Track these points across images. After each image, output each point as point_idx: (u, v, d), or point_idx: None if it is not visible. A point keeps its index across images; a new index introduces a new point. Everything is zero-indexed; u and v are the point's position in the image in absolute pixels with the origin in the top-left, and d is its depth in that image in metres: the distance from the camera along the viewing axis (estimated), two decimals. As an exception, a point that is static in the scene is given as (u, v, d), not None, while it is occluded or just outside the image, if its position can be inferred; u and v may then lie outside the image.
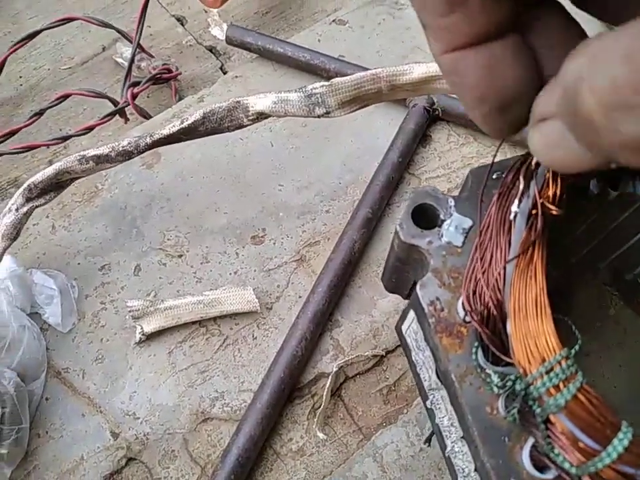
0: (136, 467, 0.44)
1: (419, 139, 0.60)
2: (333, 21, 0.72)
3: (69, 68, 0.75)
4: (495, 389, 0.27)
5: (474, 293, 0.28)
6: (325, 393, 0.45)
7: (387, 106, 0.63)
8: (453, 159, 0.60)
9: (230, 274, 0.52)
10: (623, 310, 0.49)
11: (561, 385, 0.23)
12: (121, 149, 0.47)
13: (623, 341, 0.48)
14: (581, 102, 0.18)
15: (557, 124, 0.21)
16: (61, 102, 0.63)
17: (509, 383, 0.26)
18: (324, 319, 0.48)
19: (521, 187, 0.29)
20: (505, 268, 0.26)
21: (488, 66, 0.22)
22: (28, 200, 0.47)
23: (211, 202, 0.57)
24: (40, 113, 0.63)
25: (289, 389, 0.45)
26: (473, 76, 0.22)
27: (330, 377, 0.46)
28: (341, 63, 0.64)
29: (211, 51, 0.78)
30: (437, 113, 0.61)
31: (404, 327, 0.36)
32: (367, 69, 0.44)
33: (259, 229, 0.55)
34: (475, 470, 0.30)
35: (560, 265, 0.43)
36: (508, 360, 0.26)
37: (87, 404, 0.46)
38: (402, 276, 0.38)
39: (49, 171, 0.47)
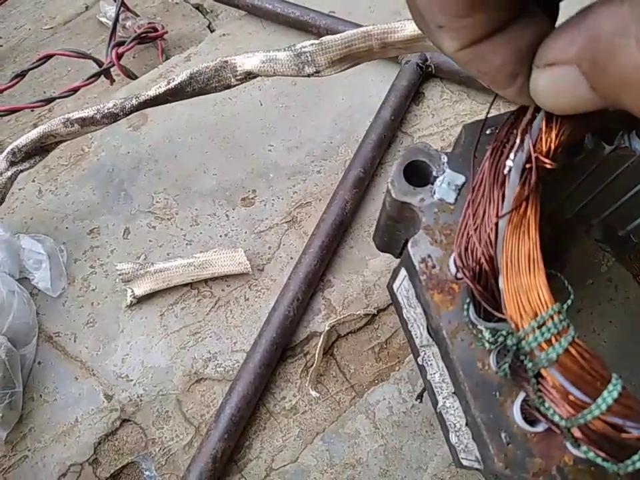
0: (130, 428, 0.44)
1: (412, 96, 0.59)
2: (323, -25, 0.70)
3: (51, 28, 0.73)
4: (487, 345, 0.27)
5: (466, 249, 0.27)
6: (317, 352, 0.45)
7: (379, 63, 0.61)
8: (446, 117, 0.59)
9: (220, 236, 0.52)
10: (614, 267, 0.49)
11: (553, 340, 0.23)
12: (106, 111, 0.46)
13: (614, 298, 0.48)
14: (622, 57, 0.18)
15: (570, 69, 0.21)
16: (43, 63, 0.61)
17: (501, 339, 0.26)
18: (316, 279, 0.48)
19: (517, 140, 0.28)
20: (497, 223, 0.26)
21: (514, 44, 0.22)
22: (12, 164, 0.46)
23: (199, 163, 0.56)
24: (22, 75, 0.61)
25: (282, 349, 0.46)
26: (501, 58, 0.22)
27: (322, 336, 0.46)
28: (331, 19, 0.62)
29: (197, 9, 0.75)
30: (429, 69, 0.60)
31: (395, 285, 0.36)
32: (358, 25, 0.43)
33: (249, 191, 0.54)
34: (466, 425, 0.31)
35: (553, 223, 0.43)
36: (500, 315, 0.26)
37: (79, 367, 0.46)
38: (394, 234, 0.38)
39: (33, 134, 0.46)
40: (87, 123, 0.46)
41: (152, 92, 0.46)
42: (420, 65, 0.59)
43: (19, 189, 0.54)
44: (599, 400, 0.22)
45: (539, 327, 0.23)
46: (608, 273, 0.49)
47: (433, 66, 0.59)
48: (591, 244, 0.49)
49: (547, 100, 0.24)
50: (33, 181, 0.55)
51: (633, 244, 0.44)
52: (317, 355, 0.45)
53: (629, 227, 0.43)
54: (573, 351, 0.23)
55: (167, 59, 0.67)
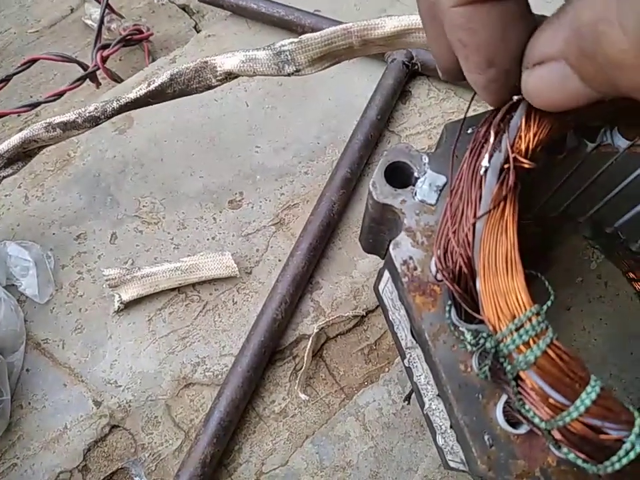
0: (120, 434, 0.44)
1: (398, 95, 0.59)
2: (309, -27, 0.69)
3: (36, 31, 0.73)
4: (468, 347, 0.27)
5: (445, 251, 0.27)
6: (306, 354, 0.45)
7: (364, 61, 0.61)
8: (433, 115, 0.59)
9: (207, 239, 0.51)
10: (603, 264, 0.49)
11: (531, 342, 0.23)
12: (87, 114, 0.45)
13: (603, 295, 0.48)
14: (607, 43, 0.18)
15: (558, 65, 0.21)
16: (28, 67, 0.61)
17: (482, 341, 0.26)
18: (304, 281, 0.48)
19: (492, 140, 0.28)
20: (474, 224, 0.26)
21: (502, 23, 0.22)
22: (-6, 170, 0.46)
23: (186, 166, 0.55)
24: (7, 79, 0.61)
25: (270, 352, 0.45)
26: (485, 33, 0.22)
27: (311, 339, 0.45)
28: (316, 18, 0.62)
29: (183, 9, 0.75)
30: (416, 67, 0.60)
31: (380, 287, 0.36)
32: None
33: (236, 193, 0.54)
34: (451, 427, 0.30)
35: (540, 221, 0.42)
36: (480, 317, 0.25)
37: (68, 374, 0.46)
38: (378, 236, 0.38)
39: (15, 140, 0.45)
40: (69, 127, 0.46)
41: (133, 94, 0.45)
42: (406, 63, 0.58)
43: (5, 196, 0.54)
44: (577, 402, 0.22)
45: (517, 329, 0.23)
46: (597, 270, 0.49)
47: (419, 64, 0.59)
48: (580, 241, 0.49)
49: (539, 99, 0.23)
50: (19, 187, 0.55)
51: (621, 240, 0.44)
52: (305, 358, 0.45)
53: (616, 224, 0.43)
54: (551, 353, 0.23)
55: (153, 60, 0.66)
